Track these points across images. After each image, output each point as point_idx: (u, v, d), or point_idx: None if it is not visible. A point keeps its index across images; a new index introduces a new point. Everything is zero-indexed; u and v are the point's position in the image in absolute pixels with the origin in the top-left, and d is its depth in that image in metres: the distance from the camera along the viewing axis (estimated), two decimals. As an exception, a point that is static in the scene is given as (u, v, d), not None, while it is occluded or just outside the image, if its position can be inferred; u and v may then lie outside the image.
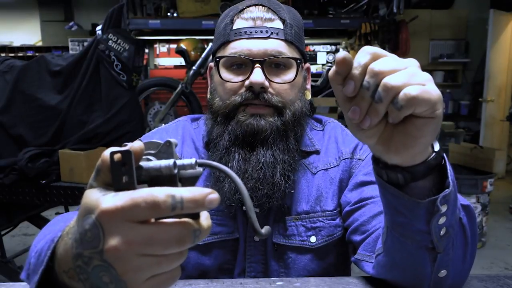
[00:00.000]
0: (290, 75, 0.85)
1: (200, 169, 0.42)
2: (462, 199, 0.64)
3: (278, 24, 0.85)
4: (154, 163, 0.40)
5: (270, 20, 0.85)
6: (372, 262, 0.74)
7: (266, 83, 0.83)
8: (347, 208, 0.86)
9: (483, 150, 3.67)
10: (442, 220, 0.56)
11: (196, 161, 0.42)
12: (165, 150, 0.42)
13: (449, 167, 0.56)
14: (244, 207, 0.84)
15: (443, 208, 0.54)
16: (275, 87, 0.84)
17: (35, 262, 0.54)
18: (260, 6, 0.86)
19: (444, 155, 0.56)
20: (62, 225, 0.53)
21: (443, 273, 0.62)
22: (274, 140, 0.84)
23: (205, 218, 0.41)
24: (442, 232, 0.57)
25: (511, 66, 6.01)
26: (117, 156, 0.38)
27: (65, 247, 0.43)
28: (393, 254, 0.65)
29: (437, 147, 0.55)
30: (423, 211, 0.55)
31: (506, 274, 0.76)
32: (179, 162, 0.41)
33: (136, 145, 0.40)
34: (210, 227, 0.41)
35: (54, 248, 0.47)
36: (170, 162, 0.40)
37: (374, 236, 0.77)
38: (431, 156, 0.54)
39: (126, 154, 0.38)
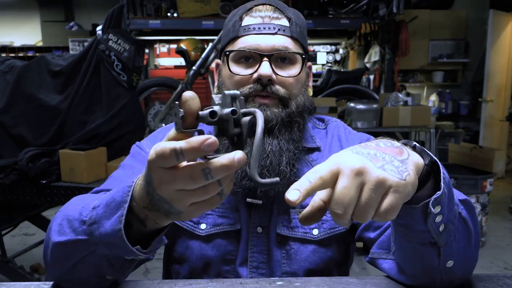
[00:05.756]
0: (295, 69, 0.90)
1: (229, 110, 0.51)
2: (460, 194, 0.69)
3: (284, 22, 0.90)
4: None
5: (277, 18, 0.89)
6: (389, 259, 0.77)
7: (274, 76, 0.86)
8: None
9: (483, 150, 3.67)
10: (438, 219, 0.60)
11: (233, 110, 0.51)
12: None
13: (442, 169, 0.59)
14: (247, 199, 0.89)
15: (437, 209, 0.58)
16: (281, 80, 0.88)
17: (104, 209, 0.60)
18: (268, 5, 0.91)
19: (436, 159, 0.60)
20: (90, 200, 0.65)
21: (450, 263, 0.66)
22: (280, 130, 0.87)
23: (217, 159, 0.46)
24: (441, 229, 0.61)
25: (510, 66, 6.01)
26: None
27: (140, 187, 0.56)
28: (403, 250, 0.70)
29: (426, 160, 0.58)
30: (419, 214, 0.60)
31: (506, 274, 0.76)
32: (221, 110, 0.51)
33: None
34: (223, 164, 0.46)
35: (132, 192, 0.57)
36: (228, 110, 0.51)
37: (387, 233, 0.79)
38: (423, 172, 0.57)
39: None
